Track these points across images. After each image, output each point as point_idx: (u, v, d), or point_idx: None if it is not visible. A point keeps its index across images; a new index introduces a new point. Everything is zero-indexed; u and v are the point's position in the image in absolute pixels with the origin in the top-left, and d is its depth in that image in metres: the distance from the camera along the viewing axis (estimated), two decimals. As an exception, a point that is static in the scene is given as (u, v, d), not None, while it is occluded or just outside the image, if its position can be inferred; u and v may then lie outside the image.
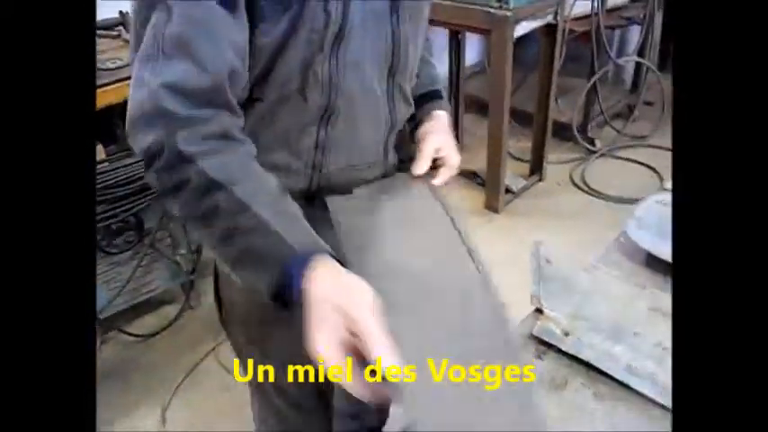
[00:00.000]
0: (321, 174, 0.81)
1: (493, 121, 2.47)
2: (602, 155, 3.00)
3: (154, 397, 1.79)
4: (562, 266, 0.97)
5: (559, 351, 0.83)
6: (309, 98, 0.74)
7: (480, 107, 3.13)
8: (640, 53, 3.12)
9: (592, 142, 3.03)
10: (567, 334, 0.84)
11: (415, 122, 0.93)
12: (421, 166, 0.85)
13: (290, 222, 0.65)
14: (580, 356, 0.80)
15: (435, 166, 0.87)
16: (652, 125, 3.13)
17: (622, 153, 3.02)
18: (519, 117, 2.93)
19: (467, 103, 3.10)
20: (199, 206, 0.64)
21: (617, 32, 3.11)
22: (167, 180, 0.65)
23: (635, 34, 3.17)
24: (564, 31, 2.53)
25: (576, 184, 2.81)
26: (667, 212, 1.06)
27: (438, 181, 0.87)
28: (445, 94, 0.99)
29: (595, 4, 2.69)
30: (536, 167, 2.83)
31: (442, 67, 3.09)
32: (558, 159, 2.94)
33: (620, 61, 3.04)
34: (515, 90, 2.74)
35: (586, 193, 2.75)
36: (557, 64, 2.56)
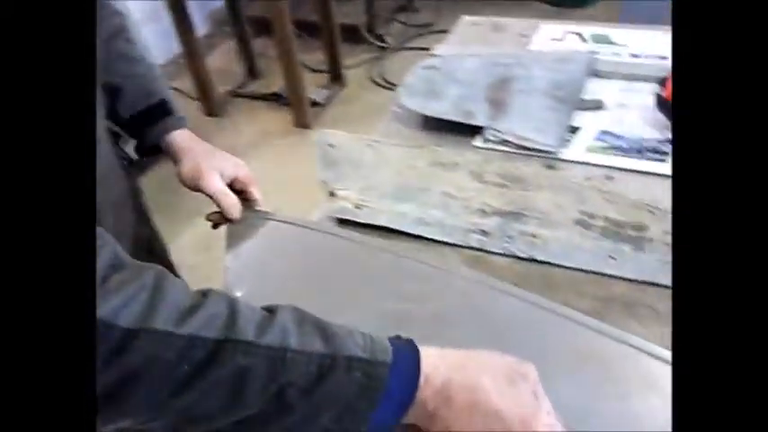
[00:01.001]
0: None
1: (279, 37, 2.41)
2: (395, 49, 3.08)
3: None
4: (346, 148, 0.99)
5: (358, 224, 0.86)
6: None
7: (267, 28, 3.03)
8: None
9: (382, 39, 3.09)
10: (359, 207, 0.87)
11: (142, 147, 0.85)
12: (233, 209, 0.79)
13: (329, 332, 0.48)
14: (374, 223, 0.84)
15: (235, 190, 0.81)
16: (434, 12, 3.26)
17: (413, 43, 3.13)
18: (306, 28, 2.89)
19: (252, 26, 2.98)
20: (206, 389, 0.43)
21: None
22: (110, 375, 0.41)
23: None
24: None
25: (377, 83, 2.88)
26: (433, 75, 1.12)
27: (258, 200, 0.83)
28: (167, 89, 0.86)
29: None
30: (335, 75, 2.84)
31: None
32: (354, 63, 2.97)
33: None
34: (294, 2, 2.67)
35: (389, 89, 2.83)
36: (326, -34, 2.53)
